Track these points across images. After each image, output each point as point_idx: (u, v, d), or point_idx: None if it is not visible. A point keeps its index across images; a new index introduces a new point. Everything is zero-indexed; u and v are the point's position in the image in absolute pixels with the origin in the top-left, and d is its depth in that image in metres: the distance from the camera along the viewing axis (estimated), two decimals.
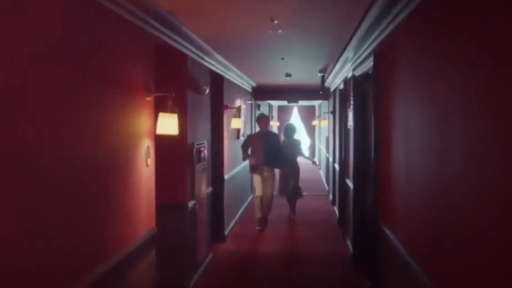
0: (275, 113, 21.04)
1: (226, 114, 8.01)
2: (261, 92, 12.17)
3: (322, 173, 16.61)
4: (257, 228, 8.53)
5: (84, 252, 2.85)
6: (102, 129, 3.13)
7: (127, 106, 3.61)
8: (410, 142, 3.38)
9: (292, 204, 9.59)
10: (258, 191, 8.66)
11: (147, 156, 3.99)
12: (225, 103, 7.88)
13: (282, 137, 9.72)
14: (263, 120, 9.06)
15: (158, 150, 5.24)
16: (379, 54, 4.60)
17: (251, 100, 11.56)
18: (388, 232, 4.11)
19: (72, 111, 2.71)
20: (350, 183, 6.94)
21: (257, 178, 8.72)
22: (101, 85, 3.12)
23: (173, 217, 5.35)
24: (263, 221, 8.63)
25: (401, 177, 3.67)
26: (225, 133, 7.96)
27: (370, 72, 5.12)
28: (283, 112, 22.77)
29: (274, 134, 9.44)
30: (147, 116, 4.00)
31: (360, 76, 6.01)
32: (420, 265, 3.07)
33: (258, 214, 8.60)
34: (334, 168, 10.59)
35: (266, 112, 16.24)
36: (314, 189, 12.91)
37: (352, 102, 6.61)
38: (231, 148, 8.47)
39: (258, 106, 13.51)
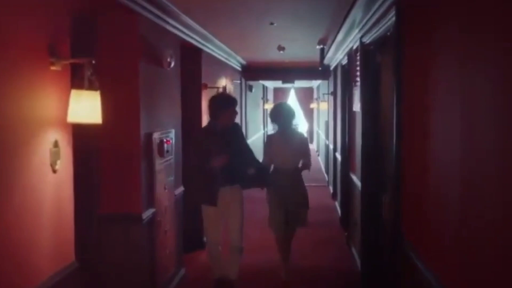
0: (270, 96, 19.65)
1: (206, 95, 6.59)
2: (252, 71, 10.75)
3: (321, 161, 15.24)
4: None
5: None
6: None
7: (7, 78, 2.21)
8: (478, 135, 1.98)
9: (286, 246, 5.29)
10: (212, 235, 4.76)
11: (55, 156, 2.60)
12: (203, 81, 6.46)
13: (271, 129, 5.61)
14: (217, 104, 4.66)
15: (100, 143, 3.89)
16: (406, 5, 3.19)
17: (238, 80, 10.11)
18: (422, 268, 2.74)
19: None
20: (356, 180, 5.57)
21: (210, 214, 4.67)
22: None
23: (123, 232, 4.00)
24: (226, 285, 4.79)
25: (453, 190, 2.28)
26: (205, 118, 6.55)
27: (389, 33, 3.72)
28: (280, 95, 21.41)
29: (237, 126, 4.97)
30: (53, 95, 2.60)
31: (371, 43, 4.61)
32: None
33: (215, 271, 4.85)
34: (335, 158, 9.23)
35: (259, 95, 14.83)
36: (313, 179, 11.46)
37: (359, 79, 5.22)
38: None
39: (250, 87, 12.09)
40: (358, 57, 5.25)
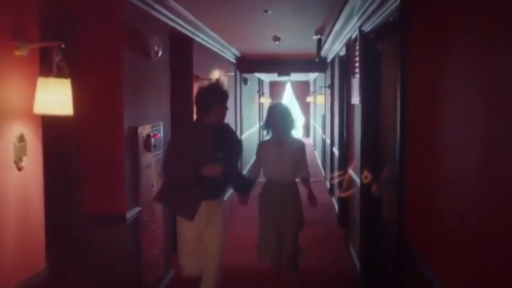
0: (266, 90, 19.33)
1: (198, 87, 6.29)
2: (247, 64, 10.44)
3: (317, 155, 14.98)
4: None
5: None
6: None
7: None
8: (501, 129, 1.71)
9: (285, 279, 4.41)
10: (189, 263, 3.84)
11: (21, 152, 2.32)
12: (195, 73, 6.17)
13: (267, 135, 4.53)
14: (208, 98, 3.72)
15: (78, 138, 3.60)
16: None
17: (233, 72, 9.81)
18: (424, 269, 2.48)
19: None
20: (355, 177, 5.30)
21: (186, 230, 3.77)
22: None
23: (106, 234, 3.72)
24: None
25: (469, 190, 2.01)
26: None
27: (392, 19, 3.44)
28: (276, 88, 21.07)
29: (230, 128, 4.15)
30: (18, 84, 2.32)
31: (371, 32, 4.33)
32: None
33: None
34: (332, 153, 8.95)
35: (254, 88, 14.50)
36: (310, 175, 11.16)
37: (358, 70, 4.94)
38: None
39: (245, 80, 11.78)
40: (357, 47, 4.97)
